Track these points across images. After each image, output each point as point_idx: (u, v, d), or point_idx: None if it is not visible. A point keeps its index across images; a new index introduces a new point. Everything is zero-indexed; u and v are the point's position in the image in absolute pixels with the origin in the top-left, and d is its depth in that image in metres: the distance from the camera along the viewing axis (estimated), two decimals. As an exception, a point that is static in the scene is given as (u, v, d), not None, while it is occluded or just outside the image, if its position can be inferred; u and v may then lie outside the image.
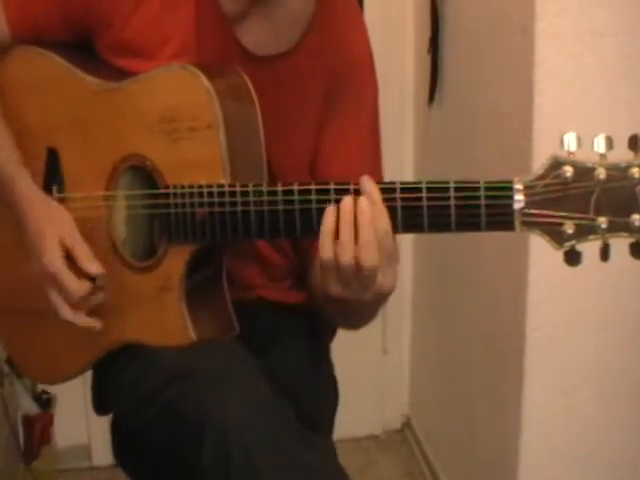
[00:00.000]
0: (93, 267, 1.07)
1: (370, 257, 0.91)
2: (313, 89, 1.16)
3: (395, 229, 0.93)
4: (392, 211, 0.92)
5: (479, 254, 1.74)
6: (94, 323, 1.10)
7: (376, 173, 1.20)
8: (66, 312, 1.08)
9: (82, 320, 1.09)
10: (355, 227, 0.91)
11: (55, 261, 1.06)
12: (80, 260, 1.07)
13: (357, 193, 0.93)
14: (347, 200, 0.92)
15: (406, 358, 2.47)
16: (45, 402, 2.15)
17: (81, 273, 1.07)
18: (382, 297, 0.99)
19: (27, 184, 1.12)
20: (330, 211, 0.93)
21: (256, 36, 1.13)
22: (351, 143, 1.19)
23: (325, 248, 0.92)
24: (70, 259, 1.07)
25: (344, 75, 1.17)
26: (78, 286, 1.06)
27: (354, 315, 1.10)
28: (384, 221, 0.91)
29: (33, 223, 1.10)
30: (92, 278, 1.07)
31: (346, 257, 0.91)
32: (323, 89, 1.17)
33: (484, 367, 1.75)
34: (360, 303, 0.97)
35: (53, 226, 1.09)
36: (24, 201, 1.11)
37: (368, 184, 0.93)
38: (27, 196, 1.11)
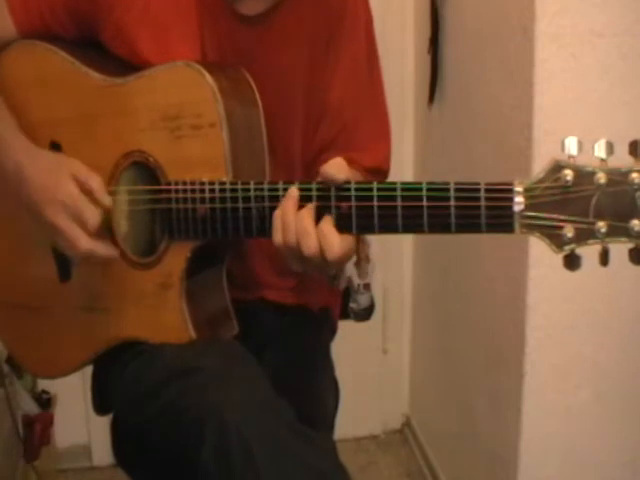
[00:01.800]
0: (106, 199, 1.07)
1: (308, 245, 0.94)
2: (314, 32, 1.17)
3: (395, 230, 0.93)
4: (392, 211, 0.92)
5: (479, 254, 1.74)
6: (112, 252, 1.09)
7: (373, 101, 1.23)
8: (86, 241, 1.06)
9: (102, 247, 1.08)
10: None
11: (73, 190, 1.06)
12: (95, 191, 1.07)
13: (358, 191, 0.94)
14: (293, 191, 0.97)
15: (406, 358, 2.47)
16: (45, 402, 2.15)
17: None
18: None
19: (26, 144, 1.12)
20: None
21: (252, 3, 1.13)
22: (345, 72, 1.19)
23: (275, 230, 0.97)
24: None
25: (338, 11, 1.17)
26: (96, 213, 1.05)
27: None
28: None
29: (42, 172, 1.09)
30: None
31: (290, 240, 0.95)
32: (324, 33, 1.17)
33: (484, 367, 1.75)
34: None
35: (62, 168, 1.08)
36: (27, 157, 1.11)
37: (292, 190, 0.96)
38: (30, 152, 1.11)
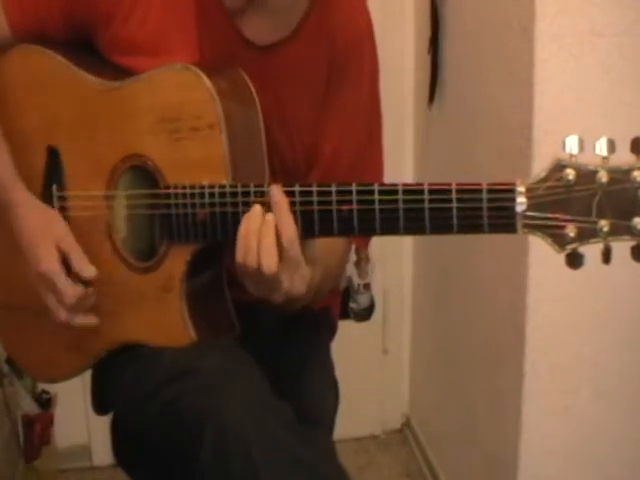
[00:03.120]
0: (89, 271, 1.09)
1: (268, 263, 0.95)
2: (316, 72, 1.16)
3: (398, 231, 0.93)
4: (394, 214, 0.92)
5: (479, 254, 1.74)
6: (91, 320, 1.11)
7: (371, 152, 1.22)
8: (62, 314, 1.10)
9: (78, 320, 1.11)
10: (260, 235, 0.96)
11: (52, 266, 1.08)
12: (76, 264, 1.09)
13: (360, 194, 0.94)
14: (256, 208, 0.97)
15: (406, 358, 2.47)
16: (45, 402, 2.15)
17: (75, 277, 1.09)
18: (295, 301, 1.02)
19: (22, 190, 1.13)
20: (245, 217, 0.97)
21: (257, 26, 1.13)
22: (345, 119, 1.18)
23: (238, 250, 0.97)
24: (65, 264, 1.09)
25: (342, 53, 1.17)
26: (73, 290, 1.08)
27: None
28: (289, 230, 0.95)
29: (29, 230, 1.11)
30: (85, 283, 1.10)
31: (250, 261, 0.96)
32: (325, 73, 1.17)
33: (484, 367, 1.75)
34: (276, 304, 1.01)
35: (49, 232, 1.10)
36: (20, 206, 1.12)
37: (276, 193, 0.96)
38: (22, 202, 1.12)
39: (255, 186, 0.99)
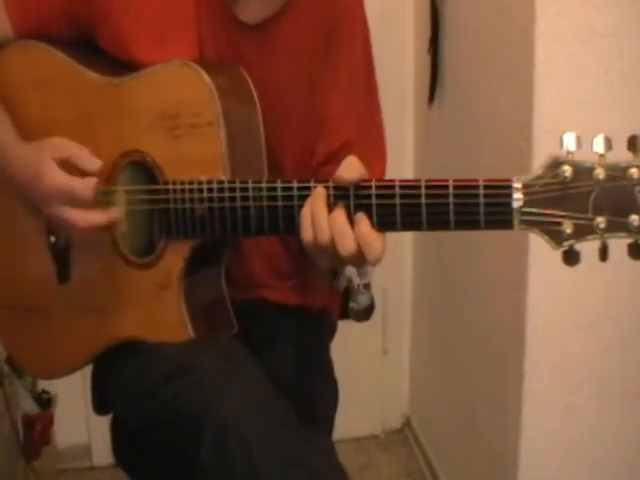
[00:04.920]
0: (94, 163, 1.07)
1: (346, 246, 0.92)
2: (312, 43, 1.17)
3: (394, 227, 0.93)
4: (391, 209, 0.92)
5: (479, 254, 1.74)
6: (111, 214, 1.08)
7: (370, 116, 1.23)
8: (82, 219, 1.07)
9: (100, 217, 1.08)
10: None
11: (56, 175, 1.06)
12: (79, 162, 1.07)
13: (357, 189, 0.94)
14: (320, 190, 0.94)
15: (406, 358, 2.47)
16: (45, 402, 2.15)
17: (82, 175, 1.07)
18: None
19: (12, 140, 1.12)
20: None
21: (249, 7, 1.13)
22: (343, 83, 1.19)
23: (304, 230, 0.94)
24: (68, 167, 1.07)
25: (336, 20, 1.17)
26: (86, 184, 1.05)
27: None
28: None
29: (25, 166, 1.09)
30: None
31: (322, 240, 0.93)
32: (321, 42, 1.17)
33: (484, 367, 1.75)
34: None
35: (40, 152, 1.09)
36: (8, 151, 1.11)
37: (319, 189, 0.94)
38: (13, 149, 1.12)
39: (253, 182, 0.99)
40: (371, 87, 1.24)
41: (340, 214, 0.93)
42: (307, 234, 0.94)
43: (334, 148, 1.19)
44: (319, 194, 0.94)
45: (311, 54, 1.17)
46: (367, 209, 0.93)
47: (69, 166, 1.07)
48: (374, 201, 0.93)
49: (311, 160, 1.20)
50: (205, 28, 1.13)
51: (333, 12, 1.17)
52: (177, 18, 1.12)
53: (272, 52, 1.15)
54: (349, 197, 0.93)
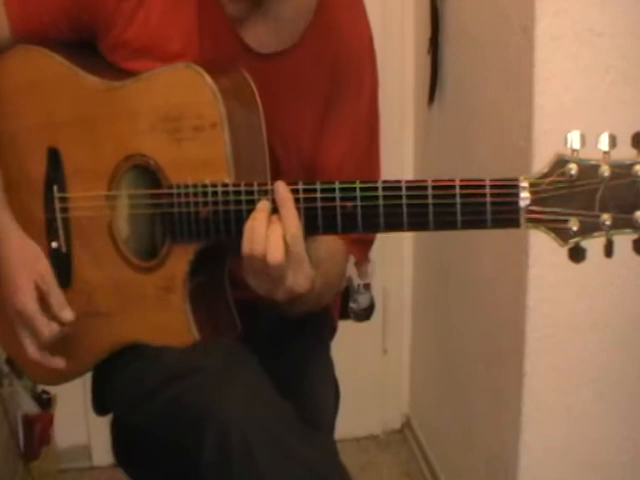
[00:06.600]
0: (67, 314, 1.10)
1: (274, 254, 0.94)
2: (316, 84, 1.17)
3: (401, 227, 0.93)
4: (398, 209, 0.92)
5: (479, 254, 1.74)
6: (60, 364, 1.12)
7: (370, 166, 1.22)
8: (34, 352, 1.11)
9: (48, 361, 1.12)
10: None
11: (29, 304, 1.09)
12: (54, 306, 1.10)
13: (364, 191, 0.94)
14: (264, 202, 0.97)
15: (406, 358, 2.47)
16: (45, 402, 2.15)
17: (51, 315, 1.10)
18: (297, 300, 1.01)
19: (9, 218, 1.13)
20: (254, 211, 0.97)
21: (259, 34, 1.13)
22: (346, 135, 1.19)
23: (245, 241, 0.96)
24: (42, 301, 1.10)
25: (343, 68, 1.17)
26: (50, 330, 1.09)
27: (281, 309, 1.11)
28: (294, 227, 0.95)
29: (8, 261, 1.11)
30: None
31: (256, 251, 0.95)
32: (326, 86, 1.17)
33: (484, 367, 1.75)
34: (278, 302, 1.01)
35: (31, 267, 1.11)
36: (3, 232, 1.12)
37: (281, 190, 0.96)
38: (8, 229, 1.13)
39: (258, 184, 0.99)
40: (373, 141, 1.23)
41: (278, 227, 0.95)
42: (245, 246, 0.96)
43: None
44: (262, 208, 0.96)
45: (313, 95, 1.17)
46: (374, 209, 0.93)
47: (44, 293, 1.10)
48: (381, 202, 0.93)
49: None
50: (207, 46, 1.12)
51: (343, 59, 1.17)
52: (180, 33, 1.11)
53: (273, 85, 1.14)
54: (355, 199, 0.94)
